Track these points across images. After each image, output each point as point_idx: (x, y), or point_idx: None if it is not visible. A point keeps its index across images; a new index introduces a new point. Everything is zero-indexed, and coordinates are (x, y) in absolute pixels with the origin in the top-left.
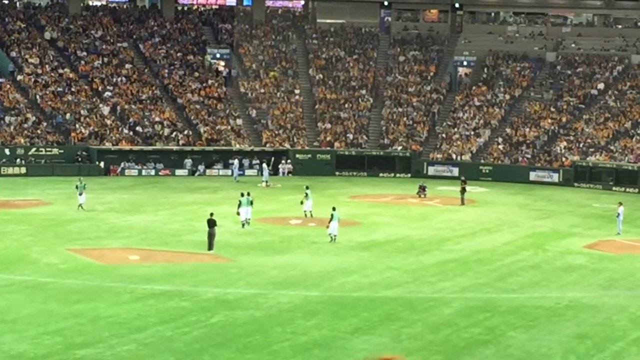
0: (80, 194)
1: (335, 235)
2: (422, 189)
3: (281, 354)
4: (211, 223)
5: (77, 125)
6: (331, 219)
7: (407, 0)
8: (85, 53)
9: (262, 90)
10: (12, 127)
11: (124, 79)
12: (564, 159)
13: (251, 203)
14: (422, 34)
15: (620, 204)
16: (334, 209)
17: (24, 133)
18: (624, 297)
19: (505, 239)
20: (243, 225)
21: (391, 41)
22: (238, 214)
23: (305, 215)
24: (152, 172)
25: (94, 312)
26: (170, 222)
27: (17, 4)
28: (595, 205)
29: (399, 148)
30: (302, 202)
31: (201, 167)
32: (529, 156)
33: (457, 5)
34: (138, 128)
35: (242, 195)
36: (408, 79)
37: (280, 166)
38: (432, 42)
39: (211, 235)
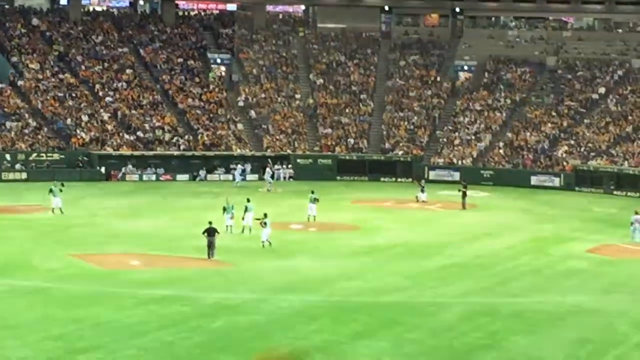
0: (55, 197)
1: (264, 241)
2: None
3: None
4: (211, 232)
5: (77, 131)
6: (265, 225)
7: (408, 5)
8: (85, 58)
9: (263, 95)
10: (12, 133)
11: (124, 84)
12: (565, 163)
13: (232, 208)
14: (422, 39)
15: (637, 212)
16: (265, 215)
17: (24, 138)
18: (625, 302)
19: (507, 244)
20: (231, 230)
21: (392, 46)
22: (243, 218)
23: (308, 219)
24: (153, 177)
25: (95, 317)
26: (171, 227)
27: (18, 9)
28: (596, 209)
29: (400, 152)
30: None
31: (202, 173)
32: (531, 156)
33: (457, 10)
34: (139, 133)
35: (227, 202)
36: (409, 83)
37: (281, 171)
38: (433, 47)
39: (211, 244)
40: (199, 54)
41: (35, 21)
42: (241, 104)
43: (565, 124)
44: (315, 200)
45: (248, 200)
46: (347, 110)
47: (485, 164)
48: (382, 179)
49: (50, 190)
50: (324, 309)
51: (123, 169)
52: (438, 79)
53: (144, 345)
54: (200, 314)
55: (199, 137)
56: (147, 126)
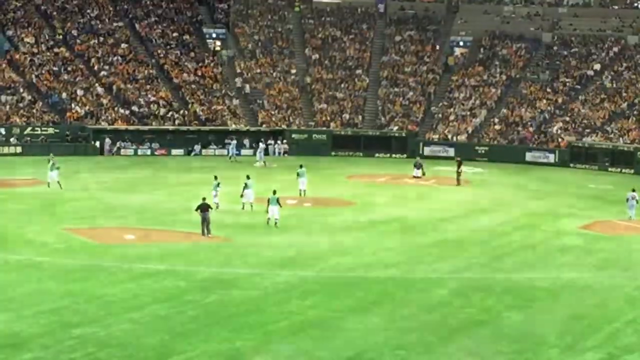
0: (52, 171)
1: (276, 219)
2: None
3: (277, 334)
4: (204, 207)
5: (72, 105)
6: (269, 203)
7: None
8: (81, 32)
9: (258, 70)
10: (7, 107)
11: (119, 58)
12: (560, 139)
13: (218, 185)
14: (418, 14)
15: (634, 189)
16: (274, 192)
17: (19, 112)
18: (619, 278)
19: (501, 220)
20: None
21: (387, 21)
22: (242, 195)
23: (300, 194)
24: (148, 152)
25: (89, 291)
26: (166, 201)
27: None
28: (591, 186)
29: (395, 128)
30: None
31: (197, 147)
32: (532, 129)
33: None
34: (134, 107)
35: (216, 178)
36: (404, 59)
37: (276, 146)
38: (429, 22)
39: (204, 221)
40: (195, 28)
41: None
42: (239, 85)
43: (560, 100)
44: (303, 174)
45: (248, 177)
46: (342, 86)
47: (480, 140)
48: (376, 154)
49: (49, 162)
50: (319, 284)
51: (117, 143)
52: (435, 52)
53: (139, 319)
54: (195, 289)
55: (189, 106)
56: (142, 101)
